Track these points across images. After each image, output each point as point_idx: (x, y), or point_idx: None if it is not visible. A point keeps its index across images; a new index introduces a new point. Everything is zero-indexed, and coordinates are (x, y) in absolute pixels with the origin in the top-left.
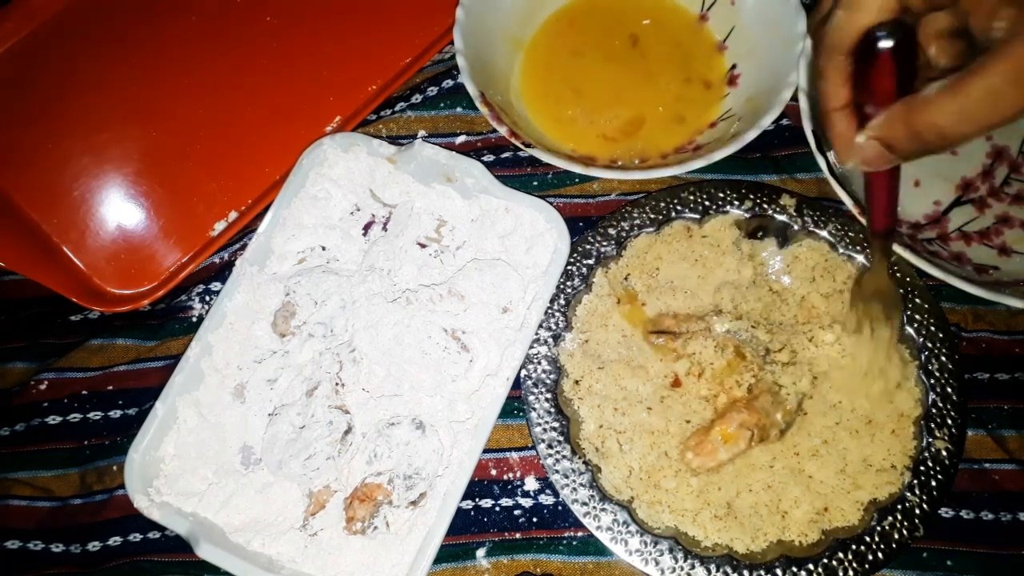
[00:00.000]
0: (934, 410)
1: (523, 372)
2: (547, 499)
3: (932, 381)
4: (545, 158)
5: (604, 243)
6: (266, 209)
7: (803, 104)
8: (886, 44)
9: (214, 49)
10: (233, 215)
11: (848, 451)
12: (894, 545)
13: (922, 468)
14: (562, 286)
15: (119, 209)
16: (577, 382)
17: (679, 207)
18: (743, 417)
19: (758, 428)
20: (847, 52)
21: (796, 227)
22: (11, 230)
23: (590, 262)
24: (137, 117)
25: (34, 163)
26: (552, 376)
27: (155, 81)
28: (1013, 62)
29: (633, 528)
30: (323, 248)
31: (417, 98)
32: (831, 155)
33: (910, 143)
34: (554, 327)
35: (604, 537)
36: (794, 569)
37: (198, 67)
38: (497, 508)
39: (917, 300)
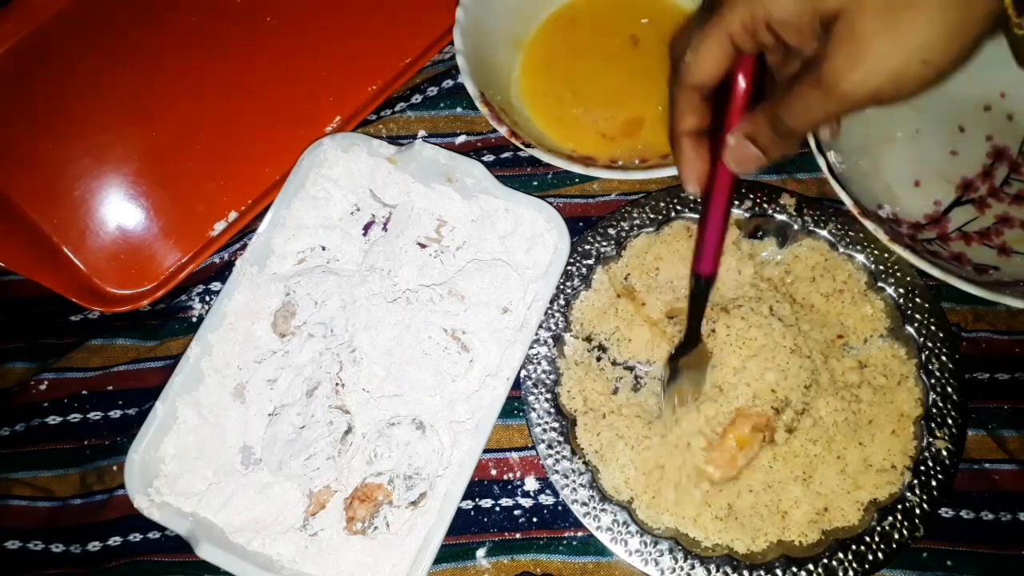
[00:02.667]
0: (934, 410)
1: (523, 372)
2: (547, 499)
3: (932, 381)
4: (545, 158)
5: (604, 243)
6: (266, 209)
7: None
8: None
9: (214, 49)
10: (233, 215)
11: (848, 451)
12: (894, 545)
13: (922, 468)
14: (562, 286)
15: (119, 209)
16: (576, 383)
17: (679, 207)
18: (753, 420)
19: (768, 428)
20: (698, 89)
21: (796, 227)
22: (11, 230)
23: (590, 262)
24: (137, 117)
25: (34, 163)
26: (552, 376)
27: (155, 81)
28: (813, 72)
29: (633, 528)
30: (323, 248)
31: (417, 98)
32: (831, 155)
33: (769, 134)
34: (554, 327)
35: (604, 537)
36: (794, 569)
37: (198, 67)
38: (497, 508)
39: (917, 300)
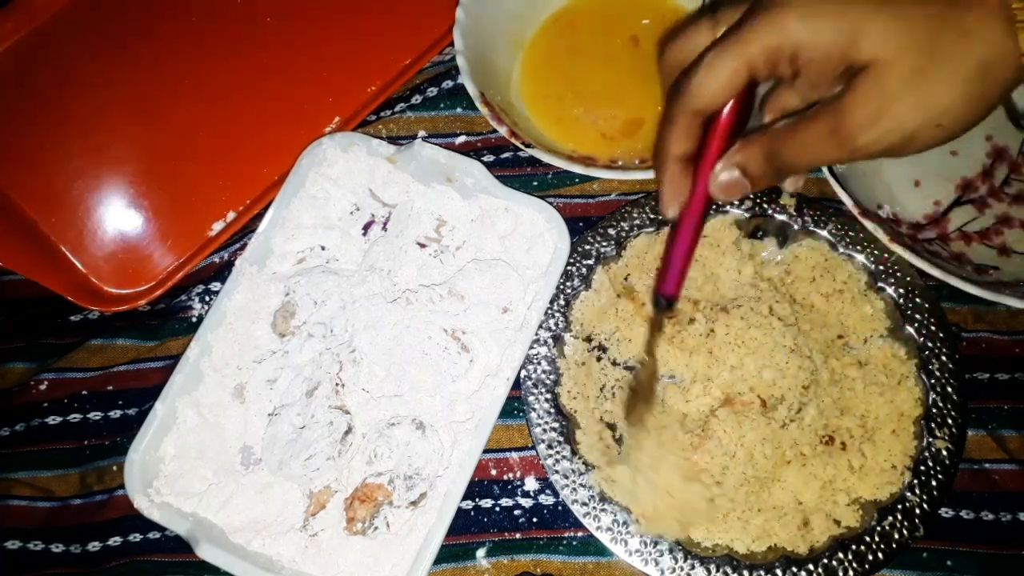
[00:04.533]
0: (934, 410)
1: (523, 372)
2: (547, 499)
3: (932, 381)
4: (545, 158)
5: (604, 243)
6: (265, 209)
7: None
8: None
9: (214, 49)
10: (231, 215)
11: (847, 451)
12: (894, 545)
13: (922, 468)
14: (562, 286)
15: (117, 209)
16: (576, 383)
17: None
18: (736, 407)
19: (748, 405)
20: (698, 113)
21: (796, 227)
22: (9, 229)
23: (590, 262)
24: (136, 117)
25: (33, 163)
26: (552, 376)
27: (154, 81)
28: (829, 118)
29: (633, 528)
30: (323, 248)
31: (417, 99)
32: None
33: (764, 167)
34: (554, 327)
35: (604, 537)
36: (794, 569)
37: (197, 67)
38: (497, 508)
39: (917, 300)
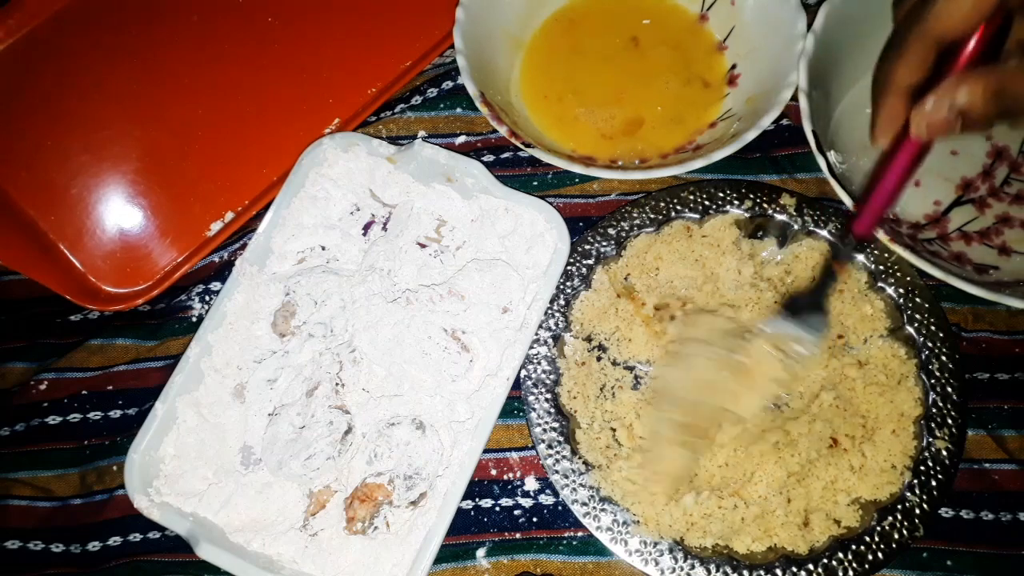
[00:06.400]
0: (934, 410)
1: (523, 372)
2: (547, 499)
3: (932, 381)
4: (545, 158)
5: (604, 243)
6: (265, 209)
7: (803, 104)
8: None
9: (214, 49)
10: (229, 215)
11: (847, 451)
12: (894, 545)
13: (922, 468)
14: (562, 286)
15: (116, 208)
16: (576, 383)
17: (679, 207)
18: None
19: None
20: (937, 40)
21: (796, 227)
22: (8, 227)
23: (590, 262)
24: (136, 116)
25: (32, 161)
26: (552, 376)
27: (154, 81)
28: None
29: (633, 528)
30: (323, 248)
31: (417, 99)
32: (831, 155)
33: (987, 105)
34: (554, 327)
35: (604, 537)
36: (794, 569)
37: (198, 67)
38: (497, 508)
39: (917, 300)
